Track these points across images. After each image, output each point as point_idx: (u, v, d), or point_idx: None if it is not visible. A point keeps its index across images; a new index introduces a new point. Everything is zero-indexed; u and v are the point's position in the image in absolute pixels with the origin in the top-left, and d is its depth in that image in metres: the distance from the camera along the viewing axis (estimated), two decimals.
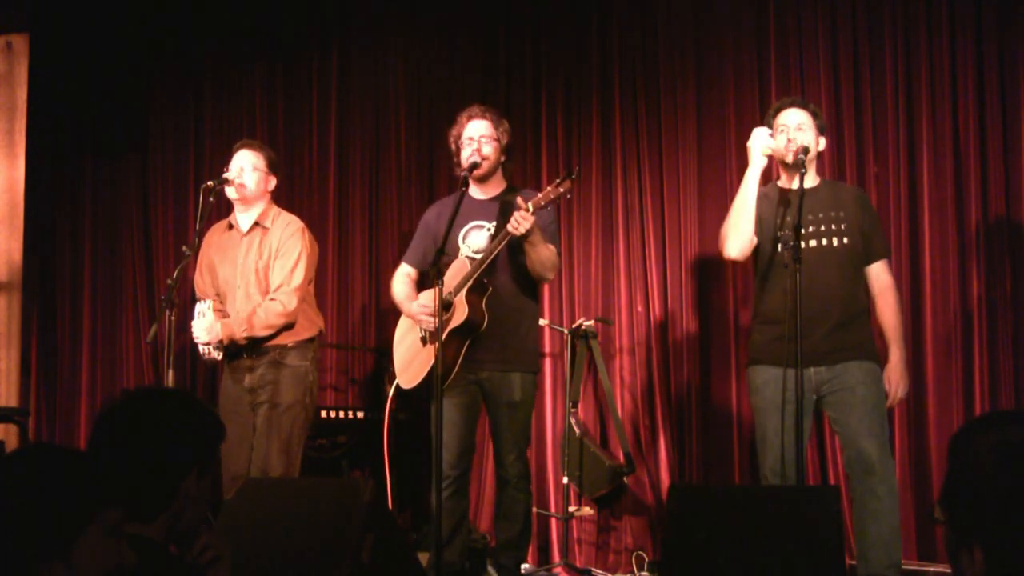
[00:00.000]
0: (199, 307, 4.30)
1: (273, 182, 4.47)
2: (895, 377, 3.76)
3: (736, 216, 3.85)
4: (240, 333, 4.23)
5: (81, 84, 6.04)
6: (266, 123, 5.78)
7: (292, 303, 4.26)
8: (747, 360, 3.93)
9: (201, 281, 4.54)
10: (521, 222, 3.69)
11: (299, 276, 4.30)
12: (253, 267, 4.36)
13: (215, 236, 4.54)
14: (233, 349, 4.29)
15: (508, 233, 3.75)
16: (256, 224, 4.41)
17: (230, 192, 4.39)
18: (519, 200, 3.76)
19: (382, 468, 4.69)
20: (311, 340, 4.37)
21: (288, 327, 4.29)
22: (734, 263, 4.17)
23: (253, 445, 4.23)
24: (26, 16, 6.18)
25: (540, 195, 3.74)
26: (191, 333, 4.34)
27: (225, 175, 4.37)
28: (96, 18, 6.02)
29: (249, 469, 4.21)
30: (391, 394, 4.18)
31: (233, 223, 4.49)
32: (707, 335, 4.96)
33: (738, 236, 3.84)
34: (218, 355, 4.31)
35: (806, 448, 3.80)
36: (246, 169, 4.38)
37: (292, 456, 4.25)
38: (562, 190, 3.72)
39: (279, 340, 4.28)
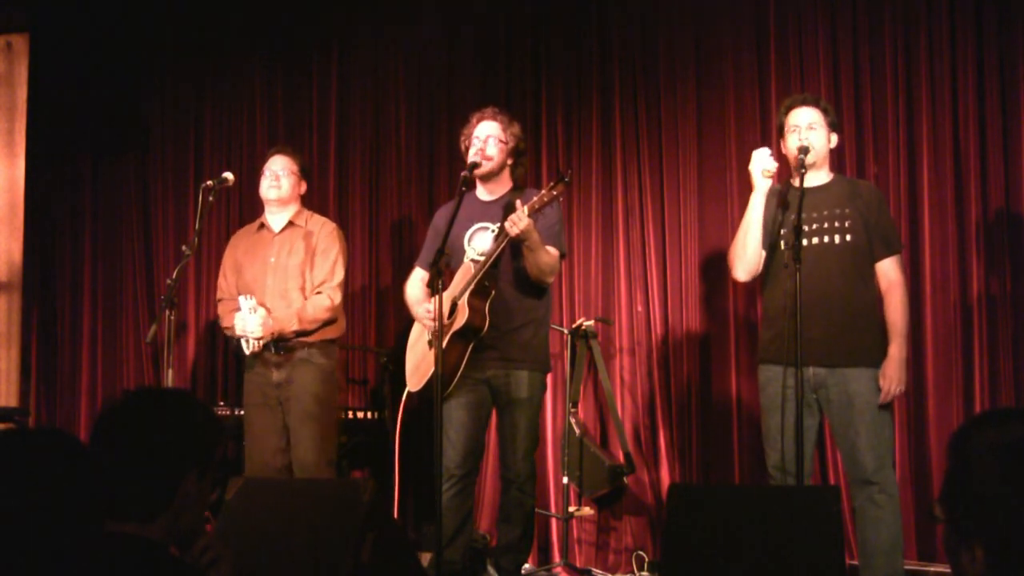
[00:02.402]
0: (247, 303, 4.34)
1: (304, 187, 4.63)
2: (890, 372, 3.72)
3: (742, 240, 3.85)
4: (290, 327, 4.36)
5: (81, 84, 6.04)
6: (266, 123, 5.79)
7: (337, 298, 4.45)
8: (757, 359, 3.95)
9: (224, 282, 4.63)
10: (517, 222, 3.70)
11: (340, 273, 4.49)
12: (286, 264, 4.47)
13: (244, 238, 4.66)
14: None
15: (506, 234, 3.76)
16: (290, 223, 4.54)
17: (267, 193, 4.53)
18: (517, 203, 3.77)
19: (383, 468, 4.70)
20: (334, 341, 4.52)
21: (331, 321, 4.44)
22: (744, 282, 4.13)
23: (290, 441, 4.39)
24: (26, 16, 6.18)
25: (535, 198, 3.75)
26: (239, 327, 4.37)
27: (225, 175, 4.42)
28: (96, 18, 6.02)
29: (273, 460, 4.38)
30: (404, 397, 4.20)
31: (264, 223, 4.61)
32: (707, 335, 4.96)
33: (745, 260, 3.85)
34: (259, 348, 4.39)
35: (811, 447, 3.81)
36: (281, 174, 4.52)
37: (328, 450, 4.43)
38: (555, 193, 3.73)
39: (307, 339, 4.41)
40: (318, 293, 4.43)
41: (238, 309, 4.35)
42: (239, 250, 4.62)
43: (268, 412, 4.42)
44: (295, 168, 4.57)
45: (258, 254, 4.54)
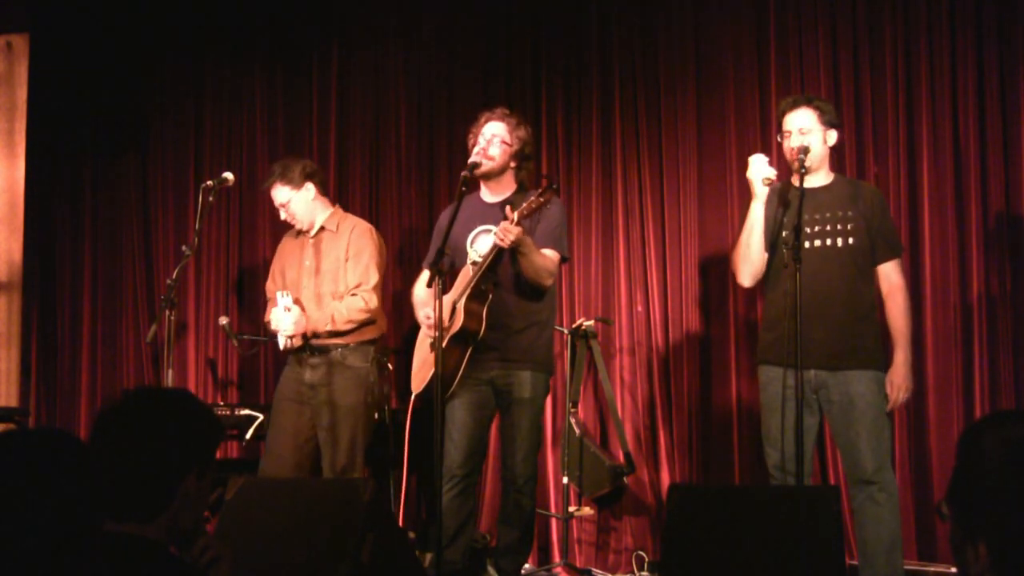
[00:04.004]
0: (283, 300, 4.40)
1: (312, 189, 4.57)
2: (897, 380, 3.74)
3: (744, 247, 3.85)
4: (323, 327, 4.40)
5: (81, 84, 6.03)
6: (266, 123, 5.78)
7: (373, 301, 4.47)
8: (756, 360, 3.95)
9: (272, 284, 4.69)
10: (505, 236, 3.70)
11: (374, 274, 4.50)
12: (320, 269, 4.52)
13: (287, 243, 4.73)
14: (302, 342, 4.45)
15: (496, 245, 3.76)
16: (323, 228, 4.58)
17: (292, 223, 4.60)
18: (507, 210, 3.76)
19: (383, 468, 4.70)
20: (373, 342, 4.54)
21: (369, 323, 4.48)
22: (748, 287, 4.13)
23: (311, 440, 4.44)
24: (26, 16, 6.17)
25: (524, 205, 3.74)
26: (274, 323, 4.45)
27: (225, 175, 4.44)
28: (96, 18, 6.02)
29: (288, 456, 4.42)
30: (412, 398, 4.20)
31: (301, 229, 4.65)
32: (707, 335, 4.96)
33: (749, 266, 3.86)
34: (291, 346, 4.45)
35: (811, 446, 3.81)
36: (287, 207, 4.55)
37: (356, 455, 4.43)
38: (543, 200, 3.73)
39: (343, 340, 4.45)
40: (353, 295, 4.45)
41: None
42: (284, 253, 4.70)
43: (296, 409, 4.46)
44: (294, 190, 4.52)
45: (296, 258, 4.61)
